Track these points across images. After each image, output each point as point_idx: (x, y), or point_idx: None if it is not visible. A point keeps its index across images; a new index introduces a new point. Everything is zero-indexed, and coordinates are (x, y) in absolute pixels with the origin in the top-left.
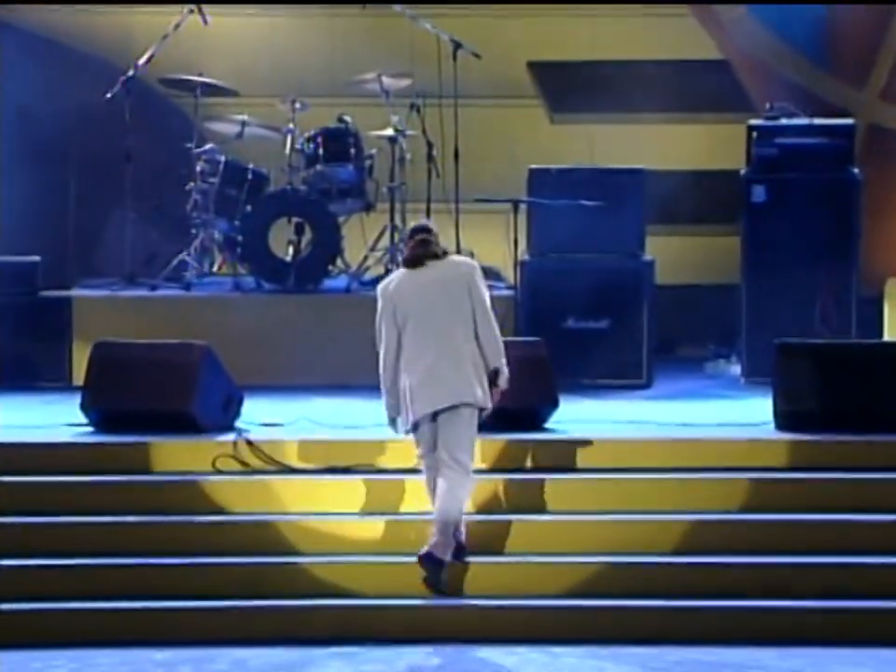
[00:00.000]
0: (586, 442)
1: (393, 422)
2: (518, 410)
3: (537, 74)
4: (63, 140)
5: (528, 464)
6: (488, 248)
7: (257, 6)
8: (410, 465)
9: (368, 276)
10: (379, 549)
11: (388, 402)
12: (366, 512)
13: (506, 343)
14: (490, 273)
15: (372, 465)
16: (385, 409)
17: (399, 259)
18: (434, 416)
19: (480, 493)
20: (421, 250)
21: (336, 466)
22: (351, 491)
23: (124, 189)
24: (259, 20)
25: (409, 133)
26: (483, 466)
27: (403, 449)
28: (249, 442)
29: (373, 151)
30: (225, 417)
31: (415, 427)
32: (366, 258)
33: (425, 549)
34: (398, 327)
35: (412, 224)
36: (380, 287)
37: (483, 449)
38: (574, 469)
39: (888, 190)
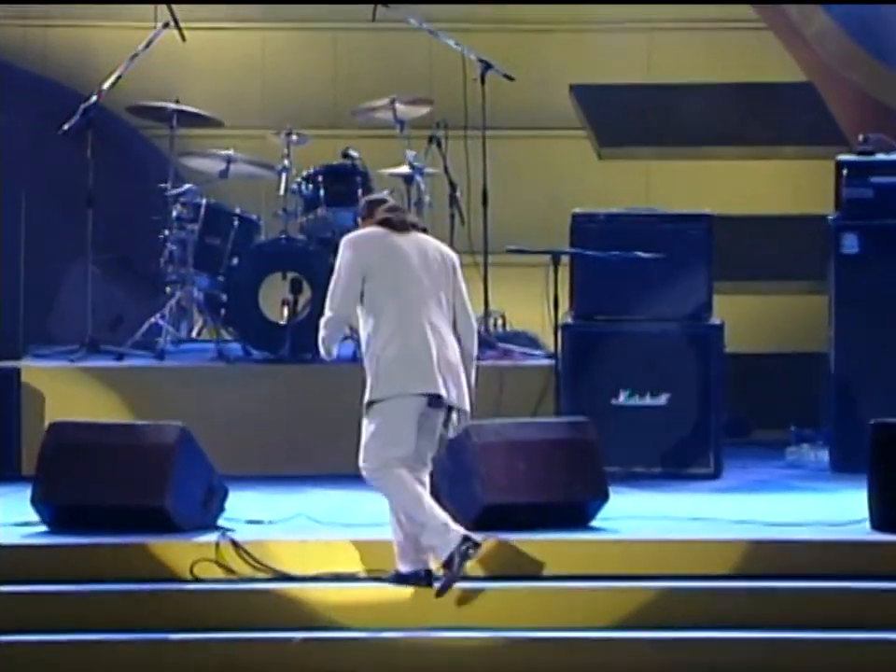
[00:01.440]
0: (642, 544)
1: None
2: (561, 504)
3: (581, 99)
4: (10, 181)
5: (572, 569)
6: (523, 309)
7: (243, 21)
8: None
9: None
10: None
11: (323, 340)
12: (377, 628)
13: (546, 424)
14: (526, 340)
15: (383, 571)
16: (319, 341)
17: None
18: (428, 403)
19: (513, 606)
20: (403, 216)
21: (340, 573)
22: (358, 603)
23: (85, 238)
24: (247, 35)
25: (428, 171)
26: (518, 571)
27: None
28: (235, 544)
29: (385, 193)
30: (205, 514)
31: (387, 406)
32: None
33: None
34: (368, 289)
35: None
36: (352, 237)
37: (515, 550)
38: (627, 577)
39: None
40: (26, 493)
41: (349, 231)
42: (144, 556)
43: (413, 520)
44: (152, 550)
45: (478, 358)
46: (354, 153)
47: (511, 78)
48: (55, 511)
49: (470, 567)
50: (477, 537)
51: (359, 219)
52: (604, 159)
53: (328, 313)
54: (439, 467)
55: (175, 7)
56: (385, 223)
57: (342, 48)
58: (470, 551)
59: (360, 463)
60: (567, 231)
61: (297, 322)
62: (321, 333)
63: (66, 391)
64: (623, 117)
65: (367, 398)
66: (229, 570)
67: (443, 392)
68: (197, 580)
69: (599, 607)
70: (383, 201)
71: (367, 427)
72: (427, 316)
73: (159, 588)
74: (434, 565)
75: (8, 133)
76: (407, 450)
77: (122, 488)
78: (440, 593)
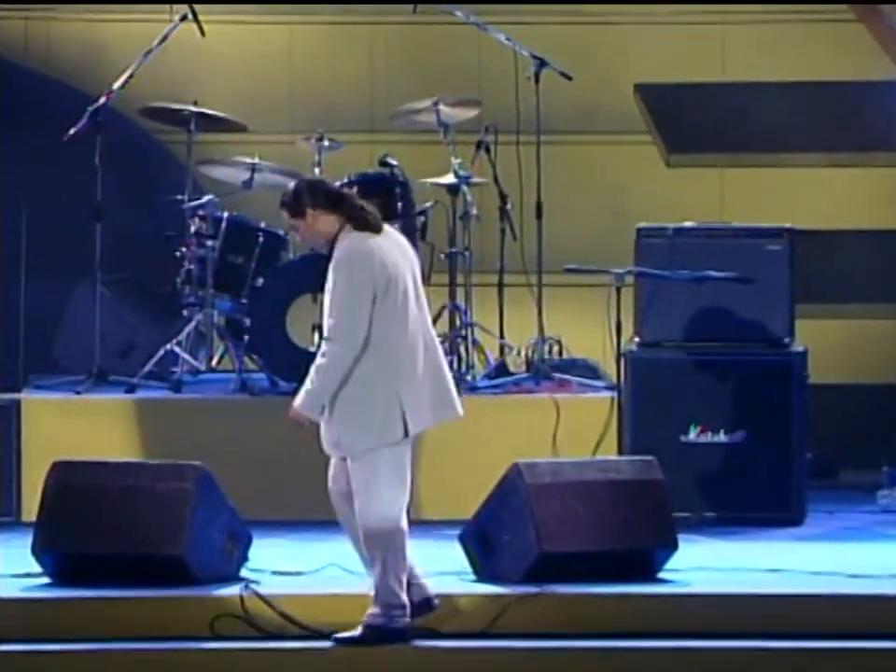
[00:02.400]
0: (715, 599)
1: (320, 409)
2: (624, 553)
3: (647, 100)
4: (10, 192)
5: (637, 627)
6: (582, 335)
7: (269, 14)
8: (478, 628)
9: None
10: None
11: (328, 387)
12: None
13: (607, 463)
14: (585, 369)
15: (428, 628)
16: (320, 392)
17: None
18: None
19: (571, 668)
20: (376, 213)
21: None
22: (400, 664)
23: (92, 256)
24: (273, 29)
25: (475, 180)
26: (576, 628)
27: (472, 605)
28: (260, 597)
29: (427, 205)
30: (227, 564)
31: (402, 445)
32: None
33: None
34: (382, 307)
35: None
36: (357, 254)
37: (572, 607)
38: (699, 635)
39: None
40: (26, 541)
41: None
42: (158, 611)
43: (387, 570)
44: (167, 604)
45: (531, 391)
46: (392, 161)
47: (568, 77)
48: (59, 561)
49: (524, 623)
50: (434, 601)
51: (313, 209)
52: (673, 166)
53: (339, 349)
54: (486, 510)
55: None
56: (365, 225)
57: (379, 43)
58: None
59: (377, 522)
60: (631, 247)
61: None
62: (322, 379)
63: (71, 426)
64: (695, 119)
65: (373, 441)
66: (254, 627)
67: (462, 412)
68: (218, 637)
69: (668, 670)
70: (348, 192)
71: (375, 475)
72: (427, 329)
73: (175, 647)
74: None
75: (8, 139)
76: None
77: (134, 536)
78: (338, 641)
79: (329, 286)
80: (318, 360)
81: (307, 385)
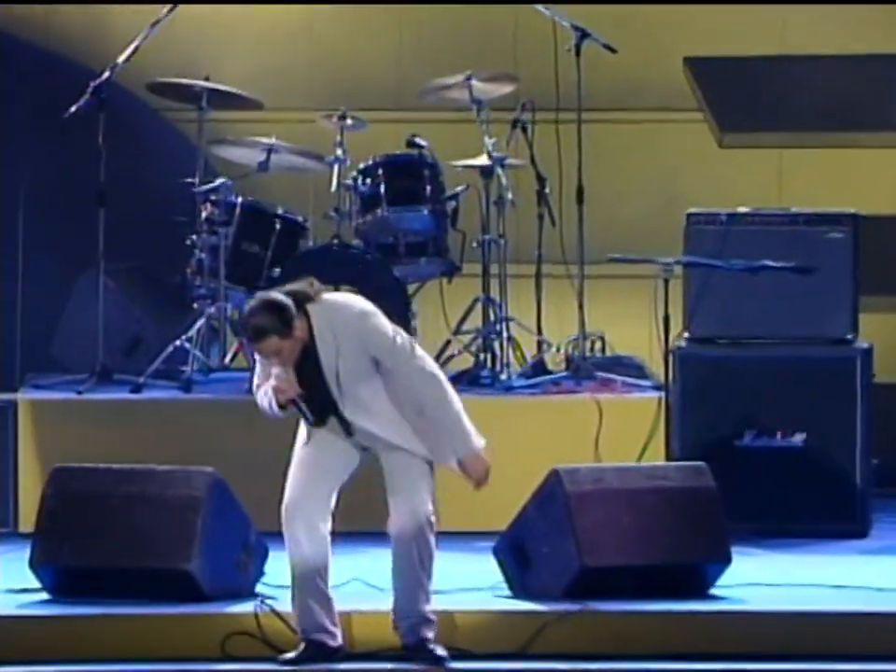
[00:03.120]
0: (771, 617)
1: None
2: (673, 568)
3: (698, 75)
4: (7, 175)
5: (687, 647)
6: (627, 330)
7: None
8: (514, 648)
9: (450, 371)
10: None
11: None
12: None
13: (654, 470)
14: (630, 367)
15: (461, 649)
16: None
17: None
18: None
19: None
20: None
21: (403, 651)
22: None
23: (95, 244)
24: None
25: (511, 162)
26: (620, 649)
27: (507, 624)
28: (277, 614)
29: (459, 189)
30: (241, 578)
31: None
32: (448, 343)
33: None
34: None
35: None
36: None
37: (616, 625)
38: (754, 657)
39: None
40: (24, 553)
41: (415, 235)
42: (165, 630)
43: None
44: (175, 622)
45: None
46: (421, 141)
47: (612, 50)
48: (58, 576)
49: (563, 643)
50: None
51: (296, 319)
52: (726, 147)
53: (431, 363)
54: (522, 520)
55: None
56: (315, 295)
57: (408, 13)
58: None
59: (432, 523)
60: (681, 235)
61: None
62: (454, 398)
63: (72, 430)
64: (750, 95)
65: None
66: (269, 646)
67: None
68: (230, 658)
69: None
70: (299, 285)
71: (431, 483)
72: None
73: (183, 669)
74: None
75: (3, 118)
76: None
77: (140, 548)
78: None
79: (346, 351)
80: (440, 396)
81: (460, 423)
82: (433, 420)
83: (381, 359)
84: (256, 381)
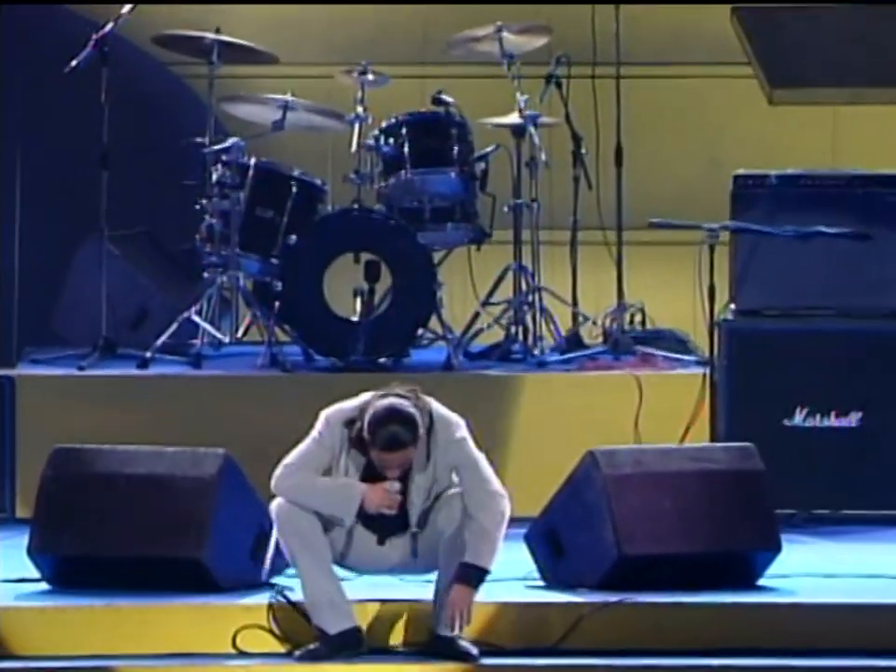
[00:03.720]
0: (825, 610)
1: None
2: (717, 556)
3: (747, 25)
4: (4, 135)
5: (734, 642)
6: (668, 301)
7: None
8: (548, 643)
9: (479, 346)
10: None
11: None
12: None
13: (698, 451)
14: (672, 341)
15: (491, 644)
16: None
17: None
18: None
19: None
20: None
21: (429, 643)
22: None
23: (98, 209)
24: None
25: (544, 120)
26: (662, 644)
27: (540, 617)
28: (293, 606)
29: (489, 149)
30: (255, 567)
31: None
32: (476, 316)
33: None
34: None
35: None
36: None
37: (657, 619)
38: (806, 652)
39: None
40: (22, 540)
41: (441, 199)
42: (172, 623)
43: None
44: (183, 615)
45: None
46: (448, 98)
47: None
48: (59, 564)
49: (600, 638)
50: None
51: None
52: (776, 104)
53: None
54: (556, 506)
55: None
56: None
57: None
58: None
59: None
60: (727, 198)
61: (374, 318)
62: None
63: (74, 408)
64: (803, 48)
65: None
66: (285, 641)
67: None
68: (242, 654)
69: None
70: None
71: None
72: None
73: (191, 665)
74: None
75: (4, 76)
76: None
77: (146, 535)
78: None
79: (440, 475)
80: (496, 519)
81: (496, 541)
82: (474, 524)
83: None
84: (298, 457)
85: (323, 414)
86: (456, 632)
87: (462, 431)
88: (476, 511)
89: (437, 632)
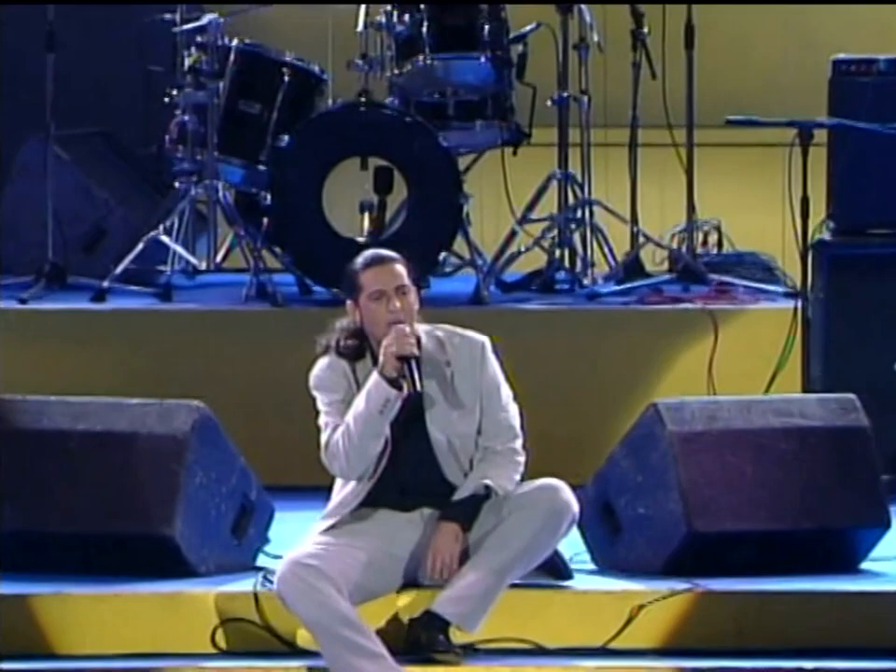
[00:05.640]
0: None
1: None
2: (810, 534)
3: None
4: None
5: (830, 638)
6: (751, 217)
7: None
8: (600, 640)
9: (514, 274)
10: None
11: None
12: None
13: (786, 404)
14: (755, 267)
15: (525, 639)
16: None
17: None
18: None
19: None
20: None
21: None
22: None
23: (44, 102)
24: None
25: None
26: (738, 642)
27: (590, 606)
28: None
29: (527, 29)
30: (237, 547)
31: None
32: (512, 235)
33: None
34: None
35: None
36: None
37: (735, 609)
38: None
39: None
40: None
41: (469, 90)
42: (137, 616)
43: None
44: (151, 605)
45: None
46: None
47: None
48: (1, 544)
49: (664, 633)
50: None
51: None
52: None
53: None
54: (610, 471)
55: None
56: None
57: None
58: None
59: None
60: (824, 89)
61: (385, 238)
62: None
63: (15, 349)
64: None
65: None
66: (273, 637)
67: None
68: (222, 653)
69: None
70: None
71: None
72: None
73: (162, 667)
74: None
75: None
76: None
77: (103, 506)
78: None
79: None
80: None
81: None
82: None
83: (483, 404)
84: (327, 427)
85: (311, 379)
86: (438, 579)
87: (488, 347)
88: (492, 445)
89: (420, 581)
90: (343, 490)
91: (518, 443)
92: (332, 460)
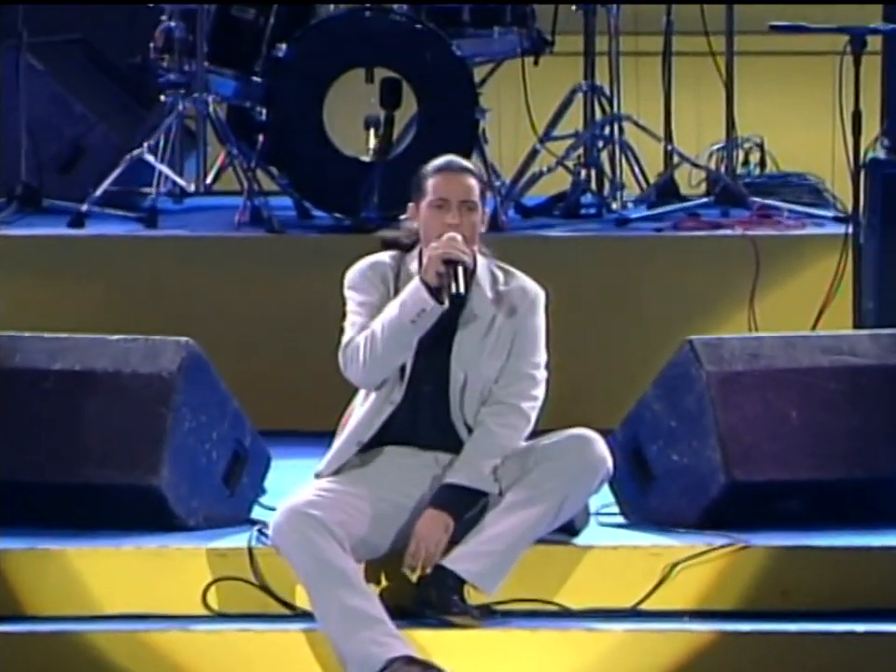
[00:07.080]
0: None
1: None
2: (861, 484)
3: None
4: None
5: (882, 599)
6: (797, 134)
7: None
8: (630, 601)
9: (536, 197)
10: None
11: None
12: None
13: (835, 342)
14: (802, 189)
15: (547, 600)
16: None
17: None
18: None
19: (784, 659)
20: None
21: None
22: (471, 645)
23: (15, 8)
24: None
25: None
26: (781, 604)
27: (619, 563)
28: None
29: None
30: (230, 498)
31: None
32: (534, 154)
33: None
34: None
35: None
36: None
37: (779, 566)
38: None
39: None
40: None
41: None
42: (120, 573)
43: None
44: (135, 561)
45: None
46: None
47: None
48: None
49: (700, 594)
50: None
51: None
52: None
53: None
54: (641, 414)
55: None
56: None
57: None
58: None
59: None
60: None
61: (392, 159)
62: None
63: None
64: None
65: None
66: (270, 596)
67: None
68: (216, 615)
69: None
70: None
71: None
72: None
73: (147, 630)
74: None
75: None
76: None
77: (83, 453)
78: None
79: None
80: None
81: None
82: (480, 432)
83: (513, 350)
84: (353, 326)
85: (347, 278)
86: (414, 572)
87: (541, 300)
88: (505, 396)
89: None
90: (354, 418)
91: (527, 406)
92: (349, 363)
